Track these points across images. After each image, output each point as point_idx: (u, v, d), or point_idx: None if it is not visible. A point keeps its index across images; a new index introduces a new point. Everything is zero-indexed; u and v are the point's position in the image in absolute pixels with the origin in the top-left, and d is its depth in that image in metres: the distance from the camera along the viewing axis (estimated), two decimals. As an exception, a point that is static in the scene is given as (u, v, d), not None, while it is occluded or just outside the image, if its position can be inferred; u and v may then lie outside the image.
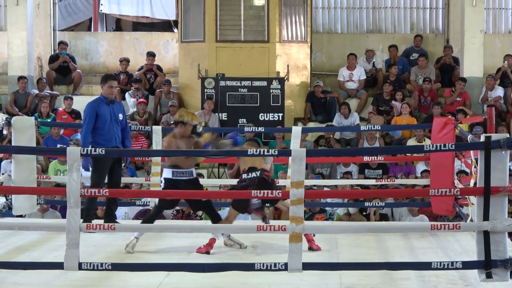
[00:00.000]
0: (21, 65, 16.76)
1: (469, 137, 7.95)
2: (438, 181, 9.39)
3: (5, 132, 10.90)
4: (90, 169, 9.12)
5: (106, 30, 19.60)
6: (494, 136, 6.27)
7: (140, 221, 9.07)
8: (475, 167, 7.69)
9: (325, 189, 12.01)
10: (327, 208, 12.70)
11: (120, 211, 11.94)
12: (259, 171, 8.05)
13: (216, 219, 8.35)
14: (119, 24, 20.24)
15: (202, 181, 12.66)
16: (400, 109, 15.53)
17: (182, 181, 8.20)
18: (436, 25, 18.52)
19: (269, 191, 6.90)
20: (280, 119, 15.59)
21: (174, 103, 15.66)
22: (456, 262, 6.49)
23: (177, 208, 12.28)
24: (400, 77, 16.75)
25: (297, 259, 6.35)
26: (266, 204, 8.13)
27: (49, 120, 15.41)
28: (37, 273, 6.94)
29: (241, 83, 15.68)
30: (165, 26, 19.52)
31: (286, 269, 6.39)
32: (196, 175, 8.47)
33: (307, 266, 6.45)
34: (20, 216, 10.29)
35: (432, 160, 9.90)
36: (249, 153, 6.73)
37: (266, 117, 15.59)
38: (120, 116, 9.27)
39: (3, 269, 7.05)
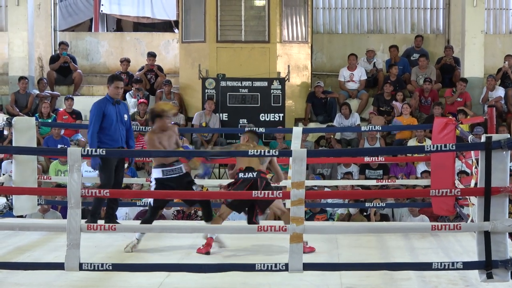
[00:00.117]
0: (22, 66, 16.76)
1: (470, 137, 7.95)
2: (439, 182, 9.38)
3: (5, 132, 10.92)
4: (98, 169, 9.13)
5: (107, 31, 19.60)
6: (495, 137, 6.27)
7: (140, 221, 9.07)
8: (475, 167, 7.68)
9: (326, 189, 12.00)
10: (327, 209, 12.70)
11: (121, 211, 11.95)
12: (256, 172, 8.05)
13: (209, 216, 8.37)
14: (119, 25, 20.24)
15: (202, 181, 12.76)
16: (401, 109, 15.53)
17: (174, 179, 8.22)
18: (436, 26, 18.51)
19: (270, 192, 6.91)
20: (281, 119, 15.59)
21: (175, 103, 15.65)
22: (457, 262, 6.49)
23: (178, 208, 12.31)
24: (401, 78, 16.75)
25: (298, 259, 6.34)
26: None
27: (49, 121, 15.42)
28: (37, 273, 6.94)
29: (241, 84, 15.68)
30: (166, 26, 19.52)
31: (286, 269, 6.39)
32: (188, 173, 8.47)
33: (307, 267, 6.44)
34: (21, 216, 10.29)
35: (433, 160, 9.89)
36: (250, 153, 6.73)
37: (267, 118, 15.59)
38: (125, 116, 9.29)
39: (3, 270, 7.06)
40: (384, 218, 12.67)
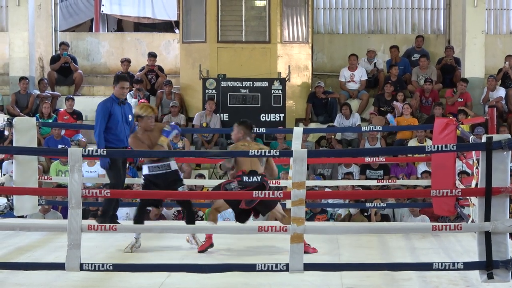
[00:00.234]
0: (23, 66, 16.76)
1: (471, 137, 7.95)
2: (440, 182, 9.38)
3: (6, 132, 10.90)
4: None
5: (108, 31, 19.60)
6: (496, 137, 6.26)
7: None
8: (476, 167, 7.68)
9: (326, 189, 12.00)
10: (328, 209, 12.70)
11: (121, 211, 11.94)
12: (260, 176, 8.02)
13: (192, 219, 8.38)
14: (120, 25, 20.24)
15: (203, 181, 12.77)
16: (402, 109, 15.53)
17: (160, 175, 8.23)
18: (437, 26, 18.51)
19: (271, 192, 6.91)
20: (282, 119, 15.60)
21: (176, 103, 15.66)
22: (458, 262, 6.49)
23: (178, 208, 12.30)
24: (402, 78, 16.75)
25: (299, 259, 6.34)
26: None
27: (50, 121, 15.43)
28: (38, 273, 6.94)
29: (242, 84, 15.69)
30: (167, 26, 19.51)
31: (287, 269, 6.38)
32: (177, 168, 8.46)
33: (308, 267, 6.44)
34: (22, 216, 10.29)
35: (434, 160, 9.89)
36: (250, 153, 6.73)
37: (268, 118, 15.60)
38: (130, 117, 9.31)
39: (4, 270, 7.05)
40: (384, 218, 12.66)
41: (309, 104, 16.13)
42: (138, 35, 18.90)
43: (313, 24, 16.78)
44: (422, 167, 13.86)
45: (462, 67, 16.65)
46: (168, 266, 7.02)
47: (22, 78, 16.24)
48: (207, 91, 15.65)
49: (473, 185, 8.10)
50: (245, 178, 8.03)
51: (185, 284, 6.88)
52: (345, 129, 15.73)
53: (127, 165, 9.76)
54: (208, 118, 15.23)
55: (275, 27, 15.89)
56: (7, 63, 17.28)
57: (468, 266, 6.53)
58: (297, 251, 6.34)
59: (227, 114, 15.62)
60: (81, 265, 6.42)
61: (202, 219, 12.04)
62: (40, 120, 13.97)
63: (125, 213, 12.27)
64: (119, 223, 9.10)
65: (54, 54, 17.79)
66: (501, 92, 16.20)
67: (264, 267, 6.43)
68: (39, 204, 10.49)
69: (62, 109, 16.03)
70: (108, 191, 7.05)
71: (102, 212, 9.16)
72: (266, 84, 15.64)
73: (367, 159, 11.11)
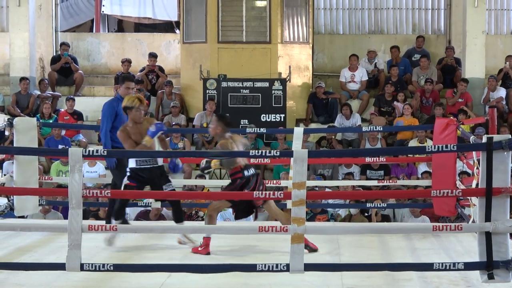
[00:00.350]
0: (23, 66, 16.77)
1: (471, 138, 7.95)
2: (440, 182, 9.38)
3: (7, 133, 10.92)
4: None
5: (108, 31, 19.61)
6: (496, 137, 6.26)
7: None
8: (477, 168, 7.68)
9: (327, 190, 12.00)
10: (328, 209, 12.70)
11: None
12: (252, 167, 8.12)
13: (180, 218, 8.38)
14: (121, 25, 20.24)
15: (203, 182, 12.77)
16: (402, 110, 15.53)
17: (146, 170, 8.24)
18: (438, 26, 18.51)
19: (271, 192, 6.91)
20: (282, 120, 15.60)
21: (176, 104, 15.66)
22: (458, 263, 6.49)
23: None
24: (402, 78, 16.75)
25: (299, 260, 6.34)
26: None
27: (51, 121, 15.43)
28: (39, 274, 6.94)
29: (243, 84, 15.69)
30: (167, 27, 19.52)
31: (288, 270, 6.38)
32: (162, 165, 8.46)
33: (309, 267, 6.44)
34: (22, 217, 10.29)
35: (434, 161, 9.89)
36: (251, 154, 6.73)
37: (268, 118, 15.60)
38: None
39: (5, 270, 7.06)
40: (385, 218, 12.66)
41: (310, 104, 16.13)
42: (139, 35, 18.90)
43: (313, 25, 16.77)
44: (422, 168, 13.86)
45: (463, 68, 16.65)
46: (169, 266, 7.02)
47: (22, 79, 16.25)
48: (207, 91, 15.66)
49: (473, 186, 8.10)
50: (246, 173, 8.08)
51: (185, 284, 6.88)
52: (346, 129, 15.73)
53: None
54: (208, 118, 15.22)
55: (276, 28, 15.89)
56: (7, 63, 17.29)
57: (469, 266, 6.53)
58: (297, 251, 6.34)
59: (228, 115, 15.57)
60: (82, 265, 6.42)
61: (202, 219, 12.04)
62: (40, 121, 13.97)
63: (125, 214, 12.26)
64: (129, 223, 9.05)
65: (54, 54, 17.80)
66: (501, 92, 16.20)
67: (265, 267, 6.43)
68: (39, 205, 10.49)
69: (62, 110, 16.03)
70: (109, 191, 7.05)
71: (116, 212, 9.11)
72: (266, 84, 15.64)
73: (368, 160, 11.11)
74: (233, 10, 15.93)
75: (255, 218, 9.61)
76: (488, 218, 6.30)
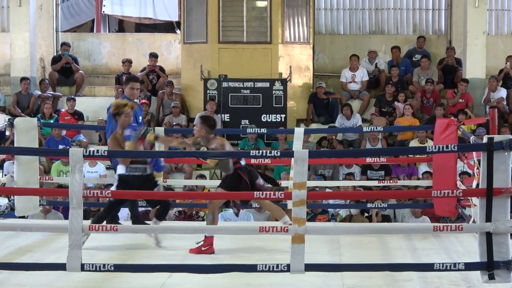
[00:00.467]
0: (24, 66, 16.78)
1: (472, 138, 7.95)
2: (441, 182, 9.38)
3: (7, 133, 10.91)
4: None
5: (109, 31, 19.62)
6: (497, 138, 6.26)
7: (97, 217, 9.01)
8: (477, 168, 7.68)
9: (327, 190, 12.00)
10: (329, 209, 12.70)
11: (123, 212, 11.94)
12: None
13: (164, 213, 8.45)
14: (121, 25, 20.25)
15: (204, 182, 12.77)
16: (403, 110, 15.53)
17: (135, 177, 8.25)
18: (438, 27, 18.51)
19: (272, 192, 6.92)
20: (283, 120, 15.60)
21: (177, 104, 15.67)
22: (459, 263, 6.48)
23: (179, 209, 12.31)
24: (403, 78, 16.75)
25: (300, 260, 6.34)
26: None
27: (51, 121, 15.43)
28: (39, 274, 6.94)
29: (243, 84, 15.70)
30: (168, 27, 19.53)
31: (288, 270, 6.38)
32: (151, 174, 8.47)
33: (309, 267, 6.44)
34: (23, 217, 10.28)
35: (435, 161, 9.89)
36: (251, 154, 6.73)
37: (269, 118, 15.60)
38: (140, 118, 9.31)
39: (5, 270, 7.05)
40: (385, 219, 12.66)
41: (310, 104, 16.13)
42: (140, 35, 18.91)
43: (314, 25, 16.77)
44: (423, 168, 13.86)
45: (463, 68, 16.65)
46: (170, 267, 7.02)
47: (23, 79, 16.26)
48: (208, 91, 15.66)
49: (474, 186, 8.10)
50: (242, 163, 8.12)
51: (186, 284, 6.88)
52: (346, 129, 15.73)
53: None
54: (209, 118, 15.21)
55: (276, 28, 15.90)
56: (8, 63, 17.30)
57: (469, 266, 6.53)
58: (298, 252, 6.33)
59: (228, 115, 15.63)
60: (82, 265, 6.42)
61: (203, 220, 12.04)
62: (41, 121, 13.98)
63: (126, 214, 12.27)
64: (120, 224, 9.09)
65: (55, 54, 17.80)
66: (502, 92, 16.21)
67: (265, 267, 6.43)
68: (40, 205, 10.49)
69: (63, 110, 16.04)
70: (109, 191, 7.05)
71: (133, 217, 9.11)
72: (267, 84, 15.64)
73: (368, 160, 11.11)
74: (233, 10, 15.94)
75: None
76: (488, 218, 6.30)
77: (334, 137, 15.13)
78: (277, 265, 6.41)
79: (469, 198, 8.45)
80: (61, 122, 15.51)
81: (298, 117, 16.16)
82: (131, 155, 8.17)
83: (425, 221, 12.20)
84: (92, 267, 6.45)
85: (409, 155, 12.46)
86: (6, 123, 9.68)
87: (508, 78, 16.59)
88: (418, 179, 13.24)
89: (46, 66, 17.85)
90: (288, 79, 15.79)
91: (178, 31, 18.32)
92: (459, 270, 6.50)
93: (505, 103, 16.10)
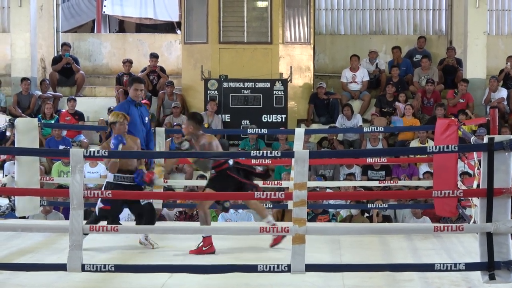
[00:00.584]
0: (24, 67, 16.78)
1: (472, 138, 7.95)
2: (441, 183, 9.38)
3: (8, 133, 10.90)
4: None
5: (109, 32, 19.61)
6: (497, 138, 6.26)
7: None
8: (478, 168, 7.68)
9: (328, 190, 12.00)
10: (329, 210, 12.69)
11: (123, 212, 11.93)
12: None
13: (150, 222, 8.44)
14: (122, 26, 20.25)
15: (204, 182, 12.73)
16: (403, 110, 15.53)
17: (122, 186, 8.27)
18: (439, 27, 18.51)
19: (272, 193, 6.92)
20: (283, 120, 15.60)
21: (177, 104, 15.66)
22: (459, 263, 6.48)
23: (180, 209, 12.31)
24: (403, 79, 16.74)
25: (300, 260, 6.34)
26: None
27: (52, 122, 15.43)
28: (40, 274, 6.95)
29: (244, 85, 15.69)
30: (168, 27, 19.52)
31: (289, 270, 6.38)
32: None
33: (310, 268, 6.44)
34: (23, 217, 10.29)
35: (435, 161, 9.89)
36: (252, 155, 6.73)
37: (269, 119, 15.60)
38: (146, 119, 9.32)
39: (6, 271, 7.06)
40: (386, 219, 12.66)
41: (311, 105, 16.13)
42: (140, 36, 18.91)
43: (315, 25, 16.77)
44: (424, 168, 13.85)
45: (464, 68, 16.65)
46: (170, 267, 7.02)
47: (24, 79, 16.26)
48: (208, 92, 15.65)
49: (474, 186, 8.10)
50: (230, 163, 8.11)
51: (186, 284, 6.89)
52: (347, 130, 15.72)
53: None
54: (209, 119, 15.23)
55: (277, 28, 15.89)
56: (9, 64, 17.30)
57: (470, 267, 6.53)
58: (298, 252, 6.33)
59: (229, 115, 15.62)
60: (83, 266, 6.42)
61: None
62: (42, 121, 13.98)
63: (127, 214, 12.27)
64: (121, 224, 9.10)
65: (56, 55, 17.80)
66: (503, 93, 16.20)
67: (266, 267, 6.43)
68: (41, 205, 10.49)
69: (63, 110, 16.04)
70: (110, 192, 7.05)
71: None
72: (267, 85, 15.64)
73: (369, 160, 11.12)
74: (234, 11, 15.93)
75: None
76: (489, 218, 6.30)
77: (334, 137, 15.12)
78: (278, 266, 6.41)
79: (470, 198, 8.45)
80: (62, 123, 15.51)
81: (298, 118, 16.16)
82: (131, 155, 8.18)
83: (426, 222, 12.19)
84: (93, 268, 6.45)
85: (410, 156, 12.46)
86: (6, 123, 9.69)
87: (508, 78, 16.59)
88: (419, 179, 13.24)
89: (46, 67, 17.85)
90: (288, 80, 15.79)
91: (178, 32, 18.32)
92: (459, 270, 6.50)
93: (505, 103, 16.09)
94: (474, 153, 8.17)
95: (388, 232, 8.74)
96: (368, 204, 10.96)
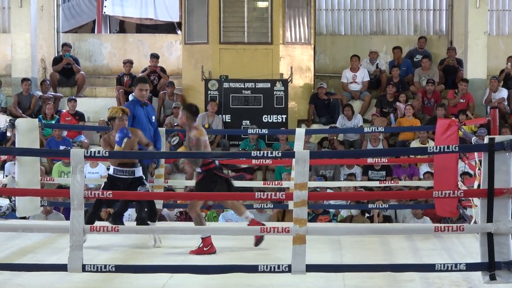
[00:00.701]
0: (25, 67, 16.77)
1: (473, 139, 7.95)
2: (442, 183, 9.38)
3: (9, 134, 10.91)
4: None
5: (110, 32, 19.61)
6: (498, 138, 6.26)
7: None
8: (479, 169, 7.68)
9: (328, 190, 12.00)
10: (330, 210, 12.69)
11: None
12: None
13: (154, 216, 8.54)
14: (122, 26, 20.26)
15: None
16: (404, 110, 15.53)
17: (121, 179, 8.28)
18: (439, 27, 18.50)
19: (273, 193, 6.92)
20: (284, 121, 15.60)
21: (178, 104, 15.65)
22: (460, 264, 6.48)
23: (180, 210, 12.31)
24: (404, 79, 16.74)
25: (301, 261, 6.34)
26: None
27: (53, 122, 15.43)
28: (40, 275, 6.95)
29: (244, 85, 15.69)
30: (169, 28, 19.53)
31: (289, 271, 6.38)
32: (140, 177, 8.47)
33: (310, 268, 6.44)
34: (24, 218, 10.29)
35: (436, 162, 9.89)
36: (253, 155, 6.73)
37: (270, 119, 15.59)
38: (153, 118, 9.32)
39: (6, 271, 7.06)
40: (387, 219, 12.66)
41: (311, 105, 16.13)
42: (140, 36, 18.90)
43: (315, 25, 16.76)
44: (424, 168, 13.85)
45: (464, 68, 16.65)
46: (171, 267, 7.02)
47: (24, 80, 16.26)
48: (209, 92, 15.65)
49: (475, 186, 8.09)
50: (217, 162, 8.17)
51: (187, 285, 6.89)
52: (347, 130, 15.72)
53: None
54: (210, 119, 15.23)
55: (277, 28, 15.89)
56: (9, 64, 17.30)
57: (471, 267, 6.53)
58: (299, 252, 6.33)
59: (229, 115, 15.62)
60: (84, 266, 6.42)
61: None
62: (43, 121, 13.97)
63: (127, 215, 12.27)
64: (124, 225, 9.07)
65: (56, 55, 17.80)
66: (503, 93, 16.20)
67: (266, 268, 6.43)
68: (41, 205, 10.50)
69: (64, 111, 16.04)
70: (110, 192, 7.05)
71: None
72: (268, 85, 15.64)
73: (370, 160, 11.11)
74: (234, 11, 15.93)
75: None
76: (490, 219, 6.30)
77: (335, 137, 15.12)
78: (278, 266, 6.41)
79: (470, 198, 8.45)
80: (62, 123, 15.51)
81: (299, 118, 16.15)
82: (129, 155, 8.19)
83: (426, 222, 12.19)
84: (93, 268, 6.45)
85: (410, 156, 12.47)
86: (7, 124, 9.69)
87: (509, 79, 16.58)
88: (419, 179, 13.24)
89: (47, 67, 17.85)
90: (289, 80, 15.79)
91: (179, 32, 18.32)
92: (460, 270, 6.51)
93: (506, 103, 16.09)
94: (475, 153, 8.17)
95: (389, 232, 8.74)
96: (369, 204, 10.96)
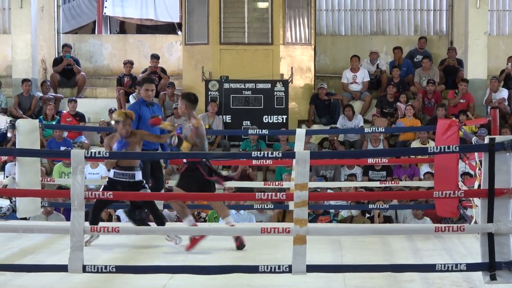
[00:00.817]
0: (25, 68, 16.79)
1: (473, 139, 7.95)
2: (442, 183, 9.38)
3: (9, 134, 10.92)
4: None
5: (110, 33, 19.62)
6: (498, 138, 6.26)
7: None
8: (479, 169, 7.68)
9: (329, 191, 12.00)
10: (330, 210, 12.69)
11: (123, 214, 11.94)
12: None
13: (161, 221, 8.46)
14: (123, 27, 20.26)
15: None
16: (404, 111, 15.53)
17: (120, 182, 8.28)
18: (440, 27, 18.50)
19: (273, 193, 6.92)
20: (284, 121, 15.60)
21: (178, 105, 15.63)
22: (460, 264, 6.48)
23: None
24: (404, 79, 16.75)
25: (301, 261, 6.34)
26: None
27: (53, 123, 15.44)
28: (41, 275, 6.95)
29: (245, 86, 15.70)
30: (169, 28, 19.53)
31: (290, 271, 6.38)
32: (140, 181, 8.47)
33: (311, 268, 6.44)
34: (24, 218, 10.29)
35: (436, 162, 9.89)
36: (253, 155, 6.73)
37: (270, 120, 15.60)
38: (160, 117, 9.33)
39: (7, 272, 7.06)
40: (387, 220, 12.66)
41: (312, 105, 16.13)
42: (141, 37, 18.91)
43: (315, 26, 16.77)
44: (424, 169, 13.85)
45: (465, 69, 16.65)
46: (171, 268, 7.02)
47: (24, 80, 16.27)
48: (209, 92, 15.66)
49: (475, 187, 8.09)
50: (204, 160, 8.21)
51: (188, 285, 6.88)
52: (348, 130, 15.73)
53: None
54: (210, 119, 15.23)
55: (278, 29, 15.90)
56: (10, 65, 17.31)
57: (471, 267, 6.53)
58: (299, 253, 6.33)
59: (230, 116, 15.62)
60: (84, 267, 6.42)
61: (205, 221, 12.04)
62: (43, 122, 13.98)
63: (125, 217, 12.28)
64: (149, 225, 9.03)
65: (56, 56, 17.81)
66: (503, 93, 16.20)
67: (267, 268, 6.43)
68: (41, 206, 10.50)
69: (64, 111, 16.05)
70: (111, 193, 7.05)
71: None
72: (268, 85, 15.64)
73: (370, 161, 11.11)
74: (235, 12, 15.94)
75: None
76: (490, 219, 6.30)
77: (335, 138, 15.12)
78: (279, 266, 6.41)
79: (471, 198, 8.45)
80: (63, 124, 15.52)
81: (299, 118, 16.16)
82: (129, 156, 8.19)
83: (427, 222, 12.19)
84: (94, 269, 6.45)
85: (411, 156, 12.47)
86: (7, 124, 9.70)
87: (509, 79, 16.59)
88: (420, 180, 13.24)
89: (47, 68, 17.86)
90: (289, 80, 15.79)
91: (179, 33, 18.32)
92: (461, 271, 6.51)
93: (506, 103, 16.09)
94: (475, 153, 8.17)
95: (389, 232, 8.73)
96: (369, 205, 10.96)
